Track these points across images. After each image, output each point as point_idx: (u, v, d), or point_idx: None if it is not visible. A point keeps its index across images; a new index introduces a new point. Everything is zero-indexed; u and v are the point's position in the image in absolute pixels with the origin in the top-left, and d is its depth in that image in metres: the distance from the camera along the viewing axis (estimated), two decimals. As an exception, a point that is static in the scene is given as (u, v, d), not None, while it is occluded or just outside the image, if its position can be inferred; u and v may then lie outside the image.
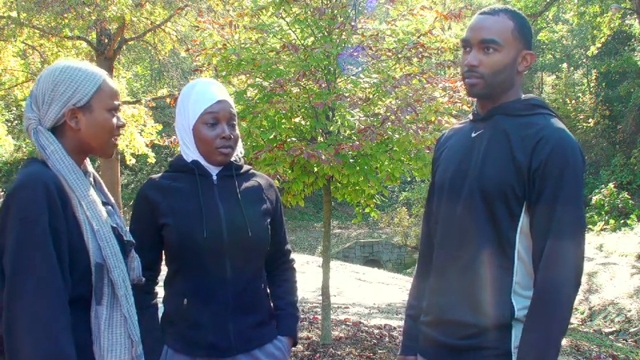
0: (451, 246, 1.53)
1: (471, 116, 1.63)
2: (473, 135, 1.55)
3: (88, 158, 1.57)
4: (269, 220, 1.81)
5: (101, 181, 1.63)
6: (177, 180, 1.75)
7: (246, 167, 1.86)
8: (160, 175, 1.81)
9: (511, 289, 1.44)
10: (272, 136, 4.42)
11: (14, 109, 21.95)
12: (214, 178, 1.76)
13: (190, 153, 1.76)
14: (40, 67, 11.77)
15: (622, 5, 16.69)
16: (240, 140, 1.83)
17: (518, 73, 1.52)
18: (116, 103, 1.52)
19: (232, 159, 1.79)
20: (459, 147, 1.58)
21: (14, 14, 9.17)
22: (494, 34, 1.46)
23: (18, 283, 1.26)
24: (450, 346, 1.50)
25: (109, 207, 1.56)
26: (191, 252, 1.67)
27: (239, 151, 1.84)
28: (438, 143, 1.73)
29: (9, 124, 20.88)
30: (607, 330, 10.23)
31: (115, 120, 1.52)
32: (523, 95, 1.55)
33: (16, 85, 12.19)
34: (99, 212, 1.43)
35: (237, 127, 1.78)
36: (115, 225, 1.50)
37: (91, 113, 1.47)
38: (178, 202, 1.71)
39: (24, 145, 25.21)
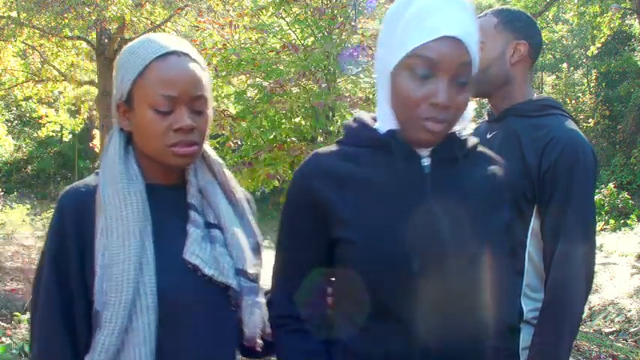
0: None
1: (486, 116, 1.62)
2: (488, 136, 1.53)
3: (201, 167, 1.14)
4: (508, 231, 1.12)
5: (218, 199, 1.13)
6: (362, 162, 1.04)
7: (472, 141, 1.10)
8: (330, 149, 1.09)
9: (521, 292, 1.44)
10: (272, 136, 4.42)
11: (14, 109, 21.95)
12: (425, 163, 1.04)
13: (384, 116, 1.05)
14: (40, 67, 11.77)
15: (622, 5, 16.69)
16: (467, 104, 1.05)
17: (512, 65, 1.50)
18: (171, 94, 1.02)
19: (455, 129, 1.06)
20: None
21: (14, 14, 9.16)
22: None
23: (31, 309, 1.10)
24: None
25: (217, 230, 1.09)
26: (390, 291, 0.99)
27: (467, 121, 1.09)
28: None
29: (9, 124, 20.88)
30: (607, 330, 10.22)
31: (166, 121, 1.03)
32: (536, 96, 1.54)
33: (16, 85, 12.18)
34: (121, 241, 1.00)
35: (467, 89, 1.01)
36: (194, 261, 1.03)
37: (133, 111, 1.07)
38: (368, 205, 1.01)
39: (24, 145, 25.21)
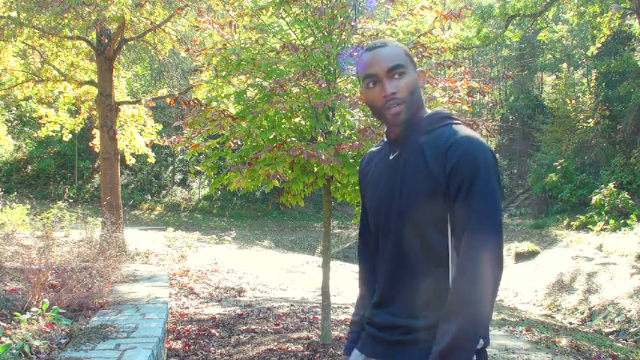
0: (393, 259, 1.61)
1: (385, 138, 1.72)
2: (390, 157, 1.64)
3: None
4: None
5: None
6: None
7: None
8: None
9: (447, 291, 1.50)
10: (272, 136, 4.42)
11: (14, 109, 21.95)
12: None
13: None
14: (40, 67, 11.77)
15: (622, 5, 16.69)
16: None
17: (419, 91, 1.63)
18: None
19: None
20: (380, 170, 1.68)
21: (14, 14, 9.16)
22: (398, 59, 1.57)
23: None
24: (387, 341, 1.59)
25: None
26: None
27: None
28: (361, 166, 1.82)
29: (9, 124, 20.87)
30: (607, 330, 10.23)
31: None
32: (429, 110, 1.65)
33: (16, 85, 12.17)
34: None
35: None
36: None
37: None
38: None
39: (24, 145, 25.21)
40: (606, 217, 16.79)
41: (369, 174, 1.73)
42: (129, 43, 11.63)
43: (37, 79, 11.83)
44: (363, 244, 1.81)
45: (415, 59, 4.67)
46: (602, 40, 18.35)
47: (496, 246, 1.42)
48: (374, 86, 1.57)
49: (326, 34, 4.66)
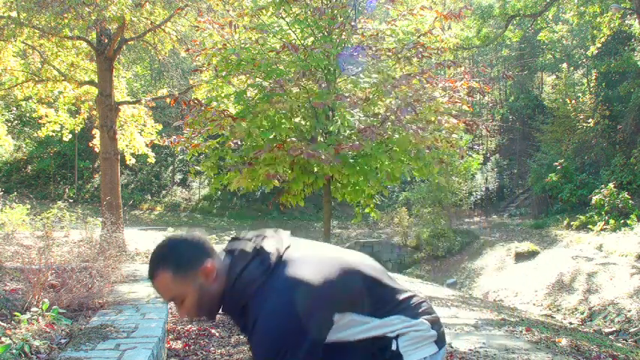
0: None
1: None
2: None
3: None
4: None
5: None
6: None
7: None
8: None
9: None
10: (272, 136, 4.42)
11: (14, 109, 21.96)
12: None
13: None
14: (40, 67, 11.77)
15: (622, 5, 16.70)
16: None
17: (212, 282, 1.55)
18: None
19: None
20: None
21: (14, 14, 9.16)
22: (167, 293, 1.54)
23: None
24: None
25: None
26: None
27: None
28: None
29: (9, 124, 20.87)
30: (607, 330, 10.23)
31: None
32: (229, 274, 1.56)
33: (16, 85, 12.17)
34: None
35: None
36: None
37: None
38: None
39: (24, 145, 25.22)
40: (606, 217, 16.79)
41: None
42: (129, 43, 11.63)
43: (37, 79, 11.83)
44: None
45: (415, 59, 4.69)
46: (602, 40, 18.37)
47: None
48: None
49: (326, 34, 4.67)
